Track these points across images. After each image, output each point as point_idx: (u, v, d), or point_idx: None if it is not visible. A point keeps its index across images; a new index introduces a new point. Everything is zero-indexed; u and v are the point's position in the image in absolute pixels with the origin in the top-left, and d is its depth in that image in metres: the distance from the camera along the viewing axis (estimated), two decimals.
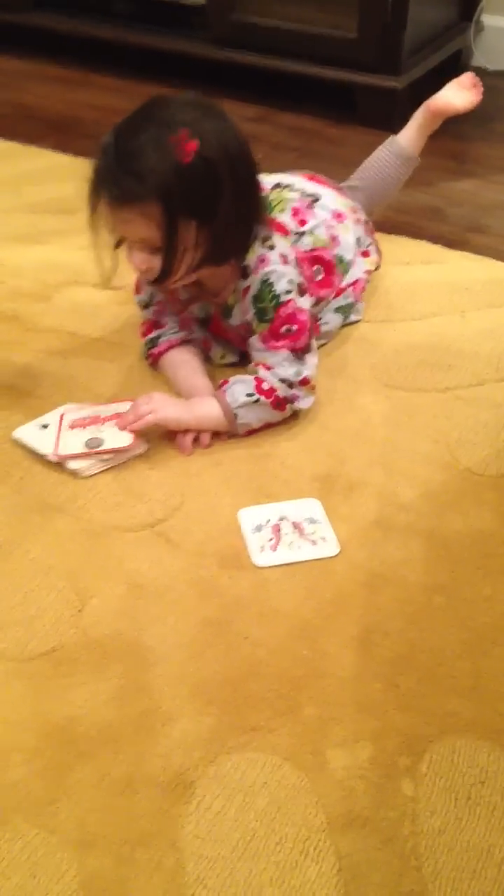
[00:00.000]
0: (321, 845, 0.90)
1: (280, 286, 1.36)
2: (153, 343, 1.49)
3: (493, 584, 1.17)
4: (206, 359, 1.51)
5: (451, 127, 2.37)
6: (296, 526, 1.24)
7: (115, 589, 1.15)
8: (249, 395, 1.35)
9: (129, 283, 1.74)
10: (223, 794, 0.94)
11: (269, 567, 1.19)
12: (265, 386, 1.36)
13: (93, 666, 1.06)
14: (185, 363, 1.47)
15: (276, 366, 1.37)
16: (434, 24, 2.44)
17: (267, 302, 1.37)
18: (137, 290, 1.52)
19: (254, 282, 1.37)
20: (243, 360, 1.49)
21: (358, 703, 1.03)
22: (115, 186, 1.26)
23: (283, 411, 1.39)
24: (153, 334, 1.50)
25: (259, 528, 1.24)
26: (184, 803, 0.93)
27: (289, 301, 1.37)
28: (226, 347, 1.52)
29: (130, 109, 1.28)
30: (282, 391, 1.36)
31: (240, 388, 1.36)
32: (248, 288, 1.38)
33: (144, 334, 1.51)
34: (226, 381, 1.38)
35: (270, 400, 1.36)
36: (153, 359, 1.49)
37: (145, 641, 1.09)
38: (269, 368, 1.37)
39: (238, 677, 1.05)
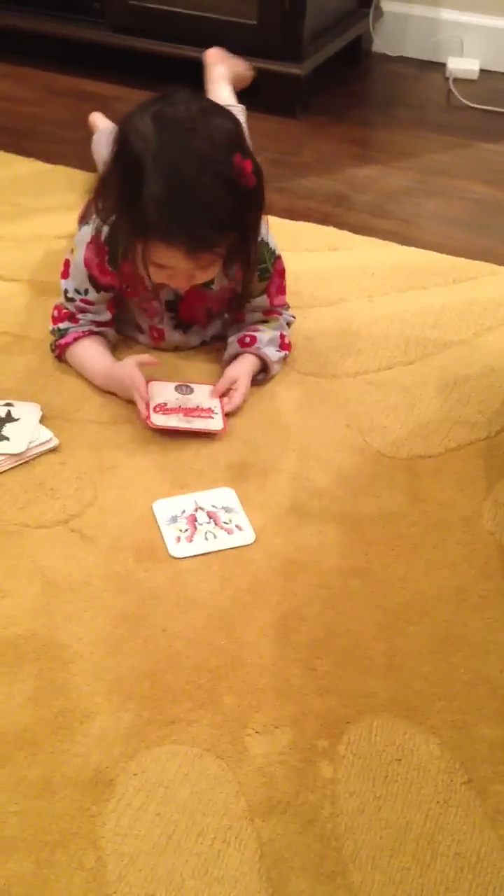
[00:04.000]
0: (243, 833, 0.91)
1: (272, 242, 1.43)
2: (61, 333, 1.46)
3: (406, 565, 1.18)
4: (156, 348, 1.51)
5: (355, 113, 2.40)
6: (211, 515, 1.24)
7: (28, 587, 1.13)
8: (278, 351, 1.47)
9: (33, 278, 1.71)
10: (144, 788, 0.94)
11: (186, 558, 1.18)
12: (287, 340, 1.50)
13: (6, 668, 1.04)
14: (92, 348, 1.45)
15: (284, 315, 1.51)
16: (334, 10, 2.45)
17: (266, 260, 1.42)
18: (66, 273, 1.45)
19: None
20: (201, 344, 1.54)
21: (276, 690, 1.03)
22: (195, 238, 1.22)
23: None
24: (63, 324, 1.45)
25: (174, 519, 1.23)
26: (104, 801, 0.92)
27: (280, 256, 1.45)
28: (185, 334, 1.51)
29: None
30: (288, 338, 1.51)
31: (271, 348, 1.46)
32: None
33: (55, 321, 1.46)
34: (252, 339, 1.45)
35: (289, 351, 1.51)
36: (60, 350, 1.46)
37: (61, 639, 1.07)
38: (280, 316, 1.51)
39: (156, 671, 1.05)
